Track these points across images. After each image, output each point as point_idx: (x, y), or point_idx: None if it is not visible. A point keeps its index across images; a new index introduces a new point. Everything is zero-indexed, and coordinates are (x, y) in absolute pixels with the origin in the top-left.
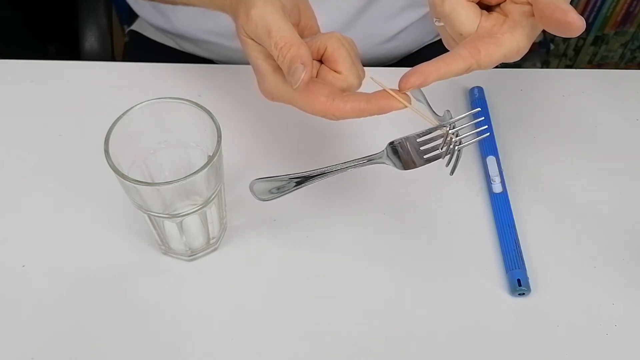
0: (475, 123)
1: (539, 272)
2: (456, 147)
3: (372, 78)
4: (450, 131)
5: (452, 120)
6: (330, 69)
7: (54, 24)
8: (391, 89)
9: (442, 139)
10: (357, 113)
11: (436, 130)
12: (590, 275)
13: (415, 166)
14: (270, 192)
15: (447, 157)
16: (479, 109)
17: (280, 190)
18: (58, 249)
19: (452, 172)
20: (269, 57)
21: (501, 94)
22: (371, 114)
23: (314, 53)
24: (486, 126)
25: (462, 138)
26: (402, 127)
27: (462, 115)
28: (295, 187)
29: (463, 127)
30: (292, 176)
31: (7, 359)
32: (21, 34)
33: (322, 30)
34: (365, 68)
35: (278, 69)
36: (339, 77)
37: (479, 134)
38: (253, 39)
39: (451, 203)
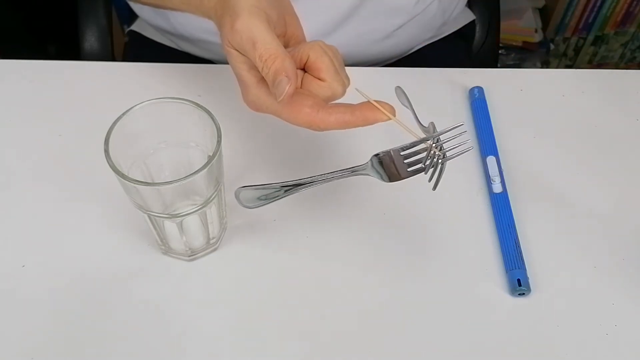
0: (458, 136)
1: (539, 272)
2: (439, 161)
3: (357, 89)
4: (433, 145)
5: (436, 134)
6: (313, 77)
7: (54, 24)
8: (376, 101)
9: (426, 152)
10: (342, 125)
11: (420, 143)
12: (590, 275)
13: (399, 178)
14: (255, 199)
15: (431, 171)
16: (462, 123)
17: (265, 198)
18: (58, 249)
19: (434, 187)
20: (253, 68)
21: (501, 94)
22: (356, 126)
23: (296, 62)
24: (469, 139)
25: (446, 152)
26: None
27: (445, 129)
28: (281, 196)
29: (447, 141)
30: (277, 185)
31: (7, 359)
32: (21, 34)
33: (316, 28)
34: (362, 68)
35: (262, 80)
36: (323, 85)
37: (461, 147)
38: (237, 50)
39: (451, 203)
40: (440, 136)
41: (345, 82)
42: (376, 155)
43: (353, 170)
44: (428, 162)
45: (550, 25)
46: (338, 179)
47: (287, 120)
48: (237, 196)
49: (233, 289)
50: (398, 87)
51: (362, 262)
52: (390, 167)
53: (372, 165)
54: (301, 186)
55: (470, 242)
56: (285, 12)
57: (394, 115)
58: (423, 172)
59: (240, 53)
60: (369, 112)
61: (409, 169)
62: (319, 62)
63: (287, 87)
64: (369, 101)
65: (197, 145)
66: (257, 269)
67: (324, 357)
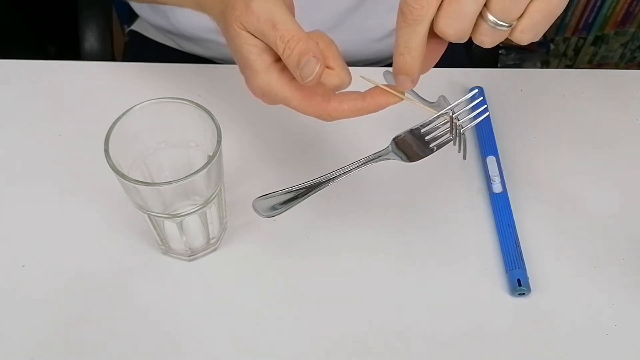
0: (474, 105)
1: (539, 272)
2: (461, 131)
3: (362, 77)
4: (453, 115)
5: (454, 104)
6: None
7: (54, 24)
8: (384, 85)
9: (447, 124)
10: (355, 112)
11: (437, 118)
12: (590, 275)
13: (422, 156)
14: (274, 207)
15: (456, 144)
16: (476, 90)
17: (286, 204)
18: (58, 249)
19: (465, 157)
20: (265, 51)
21: (501, 94)
22: (368, 112)
23: None
24: (485, 105)
25: (464, 122)
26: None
27: (462, 98)
28: (302, 199)
29: (463, 111)
30: (295, 188)
31: (7, 358)
32: (21, 34)
33: (317, 25)
34: (362, 68)
35: (272, 65)
36: (332, 73)
37: (479, 114)
38: (249, 32)
39: (451, 203)
40: (455, 107)
41: (349, 71)
42: (396, 137)
43: (375, 157)
44: (454, 132)
45: (551, 25)
46: (360, 167)
47: (296, 108)
48: (255, 208)
49: (233, 289)
50: (387, 71)
51: (362, 262)
52: (412, 147)
53: (393, 148)
54: (324, 183)
55: (470, 242)
56: (292, 4)
57: (404, 96)
58: (448, 143)
59: (253, 35)
60: (380, 96)
61: (431, 145)
62: (328, 50)
63: (317, 68)
64: (377, 86)
65: (197, 145)
66: (257, 269)
67: (325, 356)
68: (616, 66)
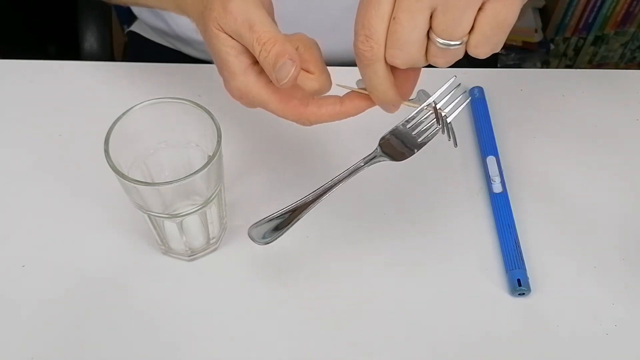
0: (454, 91)
1: (539, 272)
2: (447, 120)
3: (338, 85)
4: (437, 106)
5: (435, 94)
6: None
7: (54, 24)
8: (360, 89)
9: (433, 115)
10: (333, 117)
11: (421, 111)
12: (590, 275)
13: (411, 154)
14: (270, 233)
15: (445, 132)
16: (455, 76)
17: (280, 229)
18: (58, 249)
19: (455, 144)
20: (243, 53)
21: (501, 94)
22: (347, 116)
23: None
24: (465, 92)
25: (449, 111)
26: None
27: (441, 88)
28: (295, 221)
29: (446, 99)
30: (289, 209)
31: (7, 359)
32: (21, 34)
33: (316, 24)
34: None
35: (250, 67)
36: (312, 78)
37: (461, 101)
38: (227, 33)
39: (451, 203)
40: (438, 97)
41: (329, 76)
42: (382, 138)
43: (366, 161)
44: (440, 122)
45: (550, 25)
46: (353, 174)
47: (274, 111)
48: (250, 236)
49: (233, 289)
50: (360, 79)
51: (362, 262)
52: (400, 145)
53: (382, 150)
54: (320, 198)
55: (470, 242)
56: (271, 6)
57: None
58: (436, 136)
59: (230, 37)
60: (358, 99)
61: (420, 139)
62: (308, 54)
63: (293, 70)
64: (353, 91)
65: (197, 145)
66: (257, 269)
67: (325, 357)
68: (616, 66)
